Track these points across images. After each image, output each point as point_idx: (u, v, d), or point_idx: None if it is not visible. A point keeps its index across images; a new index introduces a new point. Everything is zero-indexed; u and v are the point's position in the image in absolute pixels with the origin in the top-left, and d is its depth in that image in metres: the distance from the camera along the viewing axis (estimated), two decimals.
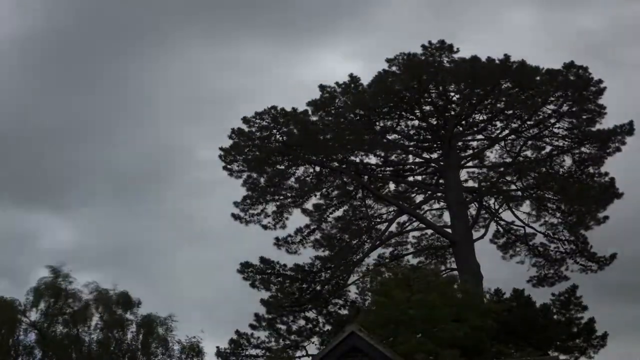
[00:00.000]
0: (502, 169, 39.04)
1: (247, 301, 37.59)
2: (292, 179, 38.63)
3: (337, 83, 38.20)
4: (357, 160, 39.39)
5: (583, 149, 38.01)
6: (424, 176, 40.98)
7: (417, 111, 38.54)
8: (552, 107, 37.68)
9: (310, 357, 34.85)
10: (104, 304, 32.85)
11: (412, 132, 39.29)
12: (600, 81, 37.24)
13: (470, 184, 39.78)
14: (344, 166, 38.93)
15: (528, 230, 38.95)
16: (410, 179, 40.92)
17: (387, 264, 37.62)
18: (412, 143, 39.78)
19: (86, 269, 62.13)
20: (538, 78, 36.90)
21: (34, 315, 32.68)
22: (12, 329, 32.11)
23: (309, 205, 39.10)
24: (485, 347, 26.63)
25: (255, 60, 72.44)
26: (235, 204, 38.50)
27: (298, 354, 36.27)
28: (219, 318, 52.36)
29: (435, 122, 38.88)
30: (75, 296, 32.98)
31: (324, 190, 39.11)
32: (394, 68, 37.50)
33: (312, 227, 38.84)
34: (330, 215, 39.24)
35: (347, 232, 38.95)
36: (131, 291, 33.25)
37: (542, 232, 38.77)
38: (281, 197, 38.64)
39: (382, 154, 39.73)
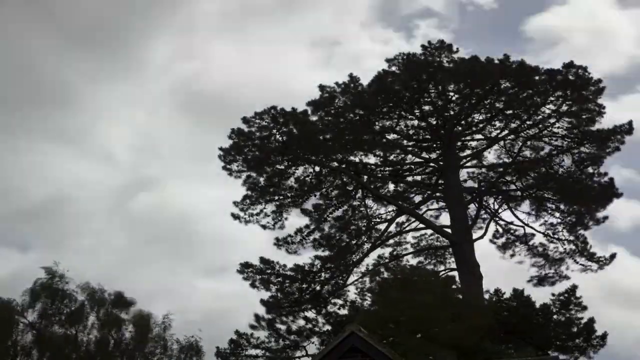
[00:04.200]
0: (501, 169, 39.02)
1: None
2: (292, 179, 38.63)
3: (336, 83, 38.22)
4: (357, 160, 39.37)
5: (582, 148, 38.00)
6: (423, 176, 40.95)
7: (416, 111, 38.50)
8: (551, 106, 37.67)
9: (310, 357, 34.80)
10: (98, 304, 32.88)
11: (411, 132, 39.24)
12: (599, 80, 37.29)
13: (470, 184, 39.80)
14: (343, 166, 38.90)
15: (527, 230, 39.02)
16: (410, 178, 40.88)
17: (387, 264, 37.60)
18: (411, 143, 39.74)
19: None
20: (537, 78, 36.89)
21: (31, 316, 32.69)
22: (9, 329, 32.06)
23: (308, 205, 39.13)
24: (485, 347, 26.61)
25: None
26: (235, 203, 38.56)
27: (298, 354, 36.23)
28: None
29: (434, 122, 38.83)
30: (70, 297, 32.98)
31: (324, 190, 39.07)
32: (393, 68, 37.50)
33: (311, 227, 38.82)
34: (330, 215, 39.22)
35: (347, 232, 38.93)
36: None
37: (542, 232, 38.80)
38: (281, 197, 38.63)
39: (382, 154, 39.69)
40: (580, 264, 37.88)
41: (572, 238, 38.33)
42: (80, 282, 33.30)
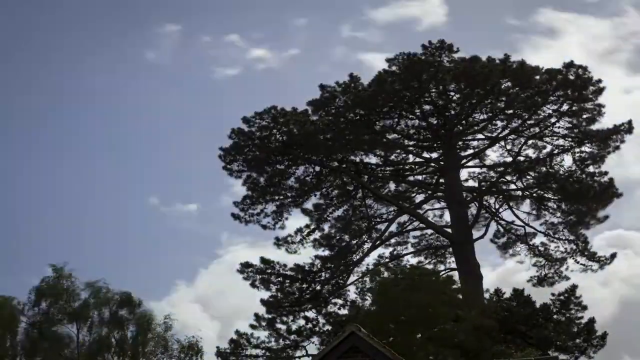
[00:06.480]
0: (502, 169, 39.03)
1: None
2: (292, 178, 38.67)
3: (337, 83, 38.14)
4: (357, 160, 39.39)
5: (583, 148, 38.02)
6: (424, 176, 40.98)
7: (417, 111, 38.51)
8: (552, 106, 37.66)
9: (310, 357, 34.80)
10: (104, 303, 32.88)
11: (412, 131, 39.25)
12: (599, 81, 37.27)
13: (471, 183, 39.82)
14: (343, 166, 38.91)
15: (528, 229, 39.04)
16: (411, 178, 40.90)
17: (387, 264, 37.60)
18: (412, 142, 39.76)
19: None
20: (538, 77, 36.89)
21: (34, 315, 32.65)
22: (12, 328, 32.04)
23: (308, 205, 39.15)
24: (485, 347, 26.61)
25: None
26: (235, 203, 38.60)
27: (298, 354, 36.23)
28: None
29: (435, 122, 38.84)
30: (76, 295, 32.98)
31: (324, 190, 39.10)
32: (393, 68, 37.46)
33: (312, 227, 38.84)
34: (330, 215, 39.25)
35: (347, 232, 38.96)
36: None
37: (543, 232, 38.81)
38: (281, 197, 38.65)
39: (382, 154, 39.70)
40: (581, 264, 37.92)
41: (572, 238, 38.36)
42: (87, 281, 33.28)
